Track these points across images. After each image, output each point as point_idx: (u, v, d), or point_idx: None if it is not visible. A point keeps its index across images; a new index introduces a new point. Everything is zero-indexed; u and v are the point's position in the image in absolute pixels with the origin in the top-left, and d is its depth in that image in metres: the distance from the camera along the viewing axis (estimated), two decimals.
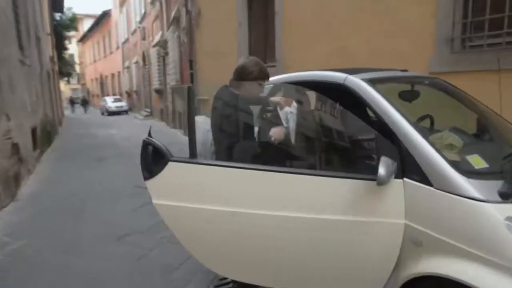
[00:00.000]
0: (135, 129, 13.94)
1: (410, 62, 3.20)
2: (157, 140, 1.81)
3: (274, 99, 2.23)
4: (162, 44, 13.14)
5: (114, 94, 26.84)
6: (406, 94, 2.20)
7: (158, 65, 14.73)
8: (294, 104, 2.17)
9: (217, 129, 2.05)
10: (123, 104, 23.05)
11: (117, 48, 25.99)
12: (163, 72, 14.41)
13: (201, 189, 1.68)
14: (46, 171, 6.54)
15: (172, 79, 11.54)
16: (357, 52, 4.29)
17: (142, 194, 5.03)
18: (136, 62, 20.66)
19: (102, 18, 28.61)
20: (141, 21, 18.48)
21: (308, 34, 4.99)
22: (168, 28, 11.51)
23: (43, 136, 8.60)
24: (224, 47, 6.96)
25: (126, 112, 22.56)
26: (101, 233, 3.59)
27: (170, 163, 1.72)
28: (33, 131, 7.11)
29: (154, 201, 1.76)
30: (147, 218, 3.94)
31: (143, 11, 17.95)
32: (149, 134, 1.89)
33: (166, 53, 12.56)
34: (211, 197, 1.67)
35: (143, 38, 18.20)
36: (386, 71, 2.29)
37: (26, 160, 5.94)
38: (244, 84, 2.01)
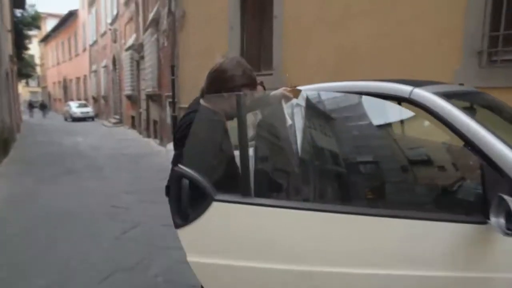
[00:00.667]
0: (103, 137, 12.94)
1: (430, 73, 2.88)
2: (193, 170, 1.24)
3: (276, 92, 1.62)
4: (137, 48, 12.35)
5: (79, 99, 25.24)
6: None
7: (131, 70, 13.85)
8: (303, 94, 1.56)
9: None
10: (89, 109, 21.67)
11: (84, 50, 24.54)
12: (136, 77, 13.56)
13: (263, 241, 1.21)
14: (3, 189, 5.59)
15: (148, 85, 10.78)
16: (366, 60, 3.96)
17: (121, 216, 4.30)
18: (105, 66, 19.50)
19: (68, 18, 27.02)
20: (112, 23, 17.48)
21: (310, 40, 4.61)
22: (145, 30, 10.79)
23: None
24: (212, 52, 6.44)
25: (92, 118, 21.21)
26: (80, 274, 2.85)
27: (215, 204, 1.21)
28: None
29: (190, 258, 1.26)
30: (134, 249, 3.29)
31: (115, 12, 16.99)
32: (180, 161, 1.30)
33: (141, 57, 11.78)
34: (279, 251, 1.20)
35: (114, 41, 17.19)
36: (443, 84, 1.93)
37: None
38: (222, 96, 1.41)
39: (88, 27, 23.09)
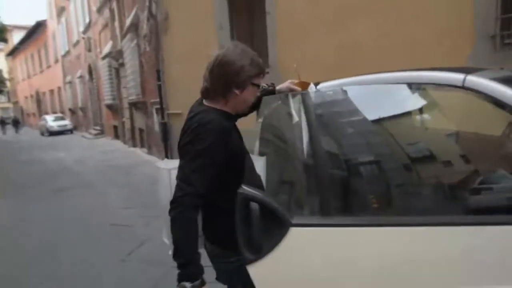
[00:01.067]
0: (86, 150, 12.41)
1: (440, 59, 2.78)
2: (261, 192, 1.04)
3: (282, 86, 1.52)
4: (115, 55, 11.89)
5: (54, 112, 24.24)
6: None
7: (110, 78, 13.35)
8: (313, 87, 1.40)
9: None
10: (66, 122, 20.84)
11: (56, 61, 23.61)
12: (116, 86, 13.07)
13: (361, 272, 0.96)
14: None
15: (131, 93, 10.37)
16: (368, 49, 3.85)
17: (124, 234, 3.97)
18: (81, 76, 18.78)
19: (36, 29, 25.91)
20: (85, 31, 16.84)
21: (306, 33, 4.47)
22: (123, 36, 10.38)
23: None
24: (200, 54, 6.20)
25: (70, 131, 20.42)
26: None
27: (293, 230, 0.98)
28: None
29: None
30: (145, 270, 3.04)
31: (87, 20, 16.37)
32: (244, 180, 1.07)
33: (121, 64, 11.35)
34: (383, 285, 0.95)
35: (89, 50, 16.56)
36: (488, 70, 1.81)
37: None
38: (235, 94, 1.21)
39: (59, 37, 22.20)
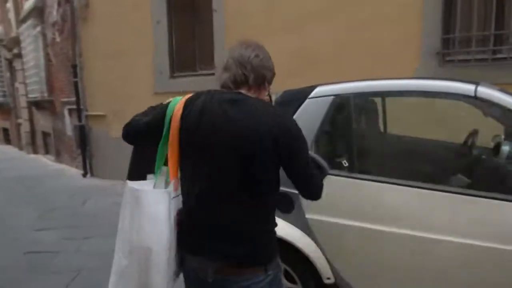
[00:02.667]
0: None
1: (391, 69, 2.99)
2: (316, 152, 1.74)
3: None
4: (8, 43, 9.93)
5: None
6: None
7: (0, 71, 11.10)
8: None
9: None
10: None
11: None
12: (9, 80, 10.93)
13: (360, 206, 1.69)
14: None
15: (32, 90, 8.73)
16: (321, 53, 3.91)
17: (49, 264, 3.12)
18: None
19: None
20: None
21: (258, 33, 4.30)
22: (22, 22, 8.70)
23: None
24: (131, 49, 5.52)
25: None
26: None
27: (328, 178, 1.67)
28: None
29: (308, 215, 1.75)
30: None
31: None
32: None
33: (17, 55, 9.51)
34: (372, 215, 1.66)
35: None
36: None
37: None
38: (265, 88, 1.22)
39: None
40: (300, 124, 1.79)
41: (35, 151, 9.84)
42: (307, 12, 3.97)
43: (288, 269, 1.95)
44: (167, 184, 1.14)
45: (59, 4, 6.85)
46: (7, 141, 12.07)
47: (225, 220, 1.09)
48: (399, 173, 1.74)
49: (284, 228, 1.93)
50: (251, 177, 1.07)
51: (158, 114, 1.17)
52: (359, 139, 1.81)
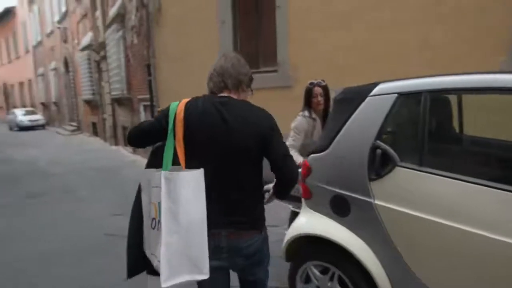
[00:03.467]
0: (62, 148, 11.55)
1: (469, 64, 2.59)
2: (386, 144, 1.69)
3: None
4: (97, 47, 11.15)
5: (24, 106, 22.76)
6: None
7: (90, 72, 12.55)
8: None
9: None
10: (38, 117, 19.55)
11: (27, 52, 22.17)
12: (97, 80, 12.30)
13: (428, 199, 1.56)
14: None
15: (114, 88, 9.72)
16: (382, 47, 3.62)
17: (122, 246, 3.48)
18: (55, 69, 17.66)
19: (4, 17, 24.24)
20: (61, 21, 15.81)
21: (318, 28, 4.18)
22: (107, 27, 9.71)
23: None
24: (197, 49, 5.77)
25: (42, 126, 19.18)
26: None
27: (397, 168, 1.64)
28: None
29: (376, 201, 1.69)
30: None
31: (63, 10, 15.37)
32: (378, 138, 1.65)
33: (103, 58, 10.64)
34: (439, 210, 1.52)
35: (65, 41, 15.57)
36: None
37: None
38: (243, 90, 1.48)
39: (30, 27, 20.84)
40: (360, 122, 1.71)
41: (116, 143, 10.94)
42: (369, 5, 3.72)
43: (343, 276, 1.85)
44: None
45: (137, 9, 7.47)
46: (95, 133, 13.63)
47: (234, 199, 1.39)
48: (480, 173, 1.52)
49: (339, 233, 1.85)
50: (247, 167, 1.38)
51: (160, 117, 1.43)
52: (428, 139, 1.63)
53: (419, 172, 1.57)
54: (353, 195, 1.79)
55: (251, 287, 1.59)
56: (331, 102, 2.41)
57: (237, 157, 1.36)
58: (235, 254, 1.42)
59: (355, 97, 1.88)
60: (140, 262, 1.50)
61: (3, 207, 5.05)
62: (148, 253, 1.45)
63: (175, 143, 1.35)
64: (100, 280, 2.88)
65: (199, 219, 1.29)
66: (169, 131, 1.36)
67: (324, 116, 2.63)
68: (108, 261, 3.20)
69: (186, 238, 1.28)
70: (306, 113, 2.62)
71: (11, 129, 19.37)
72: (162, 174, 1.30)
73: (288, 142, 2.54)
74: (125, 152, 9.66)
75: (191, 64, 5.88)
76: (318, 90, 2.59)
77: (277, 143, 1.38)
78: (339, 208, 1.86)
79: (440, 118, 1.78)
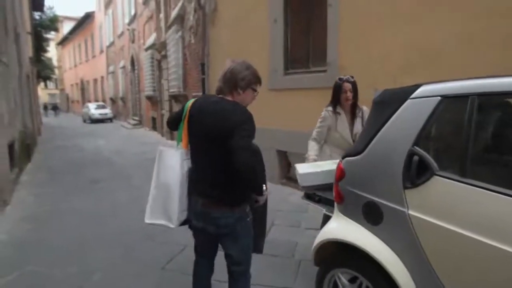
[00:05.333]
0: (124, 140, 12.55)
1: None
2: (424, 151, 1.56)
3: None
4: (159, 47, 11.89)
5: (96, 100, 25.16)
6: None
7: (152, 70, 13.43)
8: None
9: None
10: (107, 111, 21.47)
11: (101, 52, 24.43)
12: (157, 78, 13.12)
13: (469, 214, 1.39)
14: (28, 201, 5.14)
15: (172, 85, 10.29)
16: (444, 47, 3.30)
17: (162, 236, 3.60)
18: (123, 67, 19.22)
19: (85, 20, 27.01)
20: (130, 23, 17.15)
21: (374, 32, 3.97)
22: (168, 28, 10.30)
23: (22, 151, 7.16)
24: (249, 49, 5.85)
25: (110, 120, 21.03)
26: None
27: (435, 177, 1.50)
28: (10, 147, 5.71)
29: (410, 212, 1.57)
30: (186, 284, 2.73)
31: (132, 13, 16.65)
32: (416, 144, 1.56)
33: (164, 56, 11.31)
34: (481, 227, 1.35)
35: (133, 41, 16.86)
36: None
37: (1, 188, 4.58)
38: (238, 93, 1.76)
39: (105, 29, 22.93)
40: (398, 126, 1.60)
41: (172, 138, 11.57)
42: (426, 3, 3.43)
43: (371, 287, 1.75)
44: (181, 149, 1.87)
45: (195, 11, 7.81)
46: (154, 128, 14.56)
47: (209, 175, 1.74)
48: None
49: (370, 242, 1.75)
50: (220, 150, 1.64)
51: (180, 110, 1.89)
52: (473, 148, 1.46)
53: (460, 184, 1.43)
54: (386, 203, 1.68)
55: (229, 263, 1.88)
56: (365, 100, 2.36)
57: (213, 142, 1.68)
58: (207, 221, 1.77)
59: (394, 99, 1.77)
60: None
61: (68, 189, 5.65)
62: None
63: (183, 128, 1.82)
64: (136, 264, 3.07)
65: (172, 183, 1.77)
66: (182, 120, 1.82)
67: (353, 111, 2.79)
68: (147, 248, 3.42)
69: (163, 193, 1.80)
70: (330, 107, 2.78)
71: (84, 121, 21.53)
72: (159, 148, 1.87)
73: (312, 135, 2.84)
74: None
75: None
76: (347, 86, 2.70)
77: (238, 137, 1.59)
78: (371, 216, 1.77)
79: (491, 125, 1.58)
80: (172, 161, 1.78)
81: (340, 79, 2.76)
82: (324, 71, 4.57)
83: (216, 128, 1.65)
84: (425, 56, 3.45)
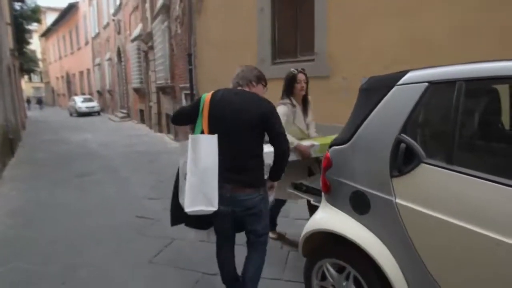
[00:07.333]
0: (112, 133, 12.34)
1: None
2: (411, 138, 1.53)
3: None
4: (145, 38, 11.63)
5: (83, 93, 24.65)
6: None
7: (139, 61, 13.16)
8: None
9: None
10: (94, 104, 21.07)
11: (86, 43, 23.83)
12: (144, 69, 12.88)
13: (456, 202, 1.37)
14: (11, 196, 5.02)
15: (159, 77, 10.10)
16: (438, 42, 3.27)
17: (151, 229, 3.61)
18: (109, 59, 18.81)
19: (69, 11, 26.22)
20: (115, 13, 16.72)
21: (363, 21, 3.92)
22: (154, 18, 10.06)
23: (4, 146, 6.96)
24: (236, 38, 5.75)
25: (98, 113, 20.67)
26: None
27: (422, 165, 1.48)
28: None
29: (397, 200, 1.55)
30: (173, 277, 2.70)
31: (118, 2, 16.22)
32: (403, 131, 1.53)
33: (150, 48, 11.08)
34: (469, 214, 1.33)
35: (118, 32, 16.47)
36: None
37: None
38: (253, 85, 2.02)
39: (90, 20, 22.33)
40: (385, 114, 1.57)
41: (160, 130, 11.42)
42: None
43: (359, 276, 1.74)
44: None
45: (180, 0, 7.62)
46: (142, 120, 14.34)
47: (238, 162, 1.89)
48: None
49: (357, 232, 1.73)
50: (247, 136, 1.87)
51: (195, 103, 2.00)
52: (461, 135, 1.43)
53: (447, 171, 1.40)
54: (374, 192, 1.66)
55: (253, 236, 2.04)
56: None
57: (242, 130, 1.85)
58: (236, 203, 1.91)
59: (381, 86, 1.73)
60: (179, 213, 1.99)
61: (54, 184, 5.51)
62: (181, 200, 1.96)
63: (202, 120, 1.91)
64: (123, 258, 3.02)
65: (211, 167, 1.83)
66: (199, 112, 1.93)
67: (304, 103, 2.84)
68: (136, 241, 3.36)
69: (202, 178, 1.82)
70: (287, 100, 2.75)
71: (71, 114, 21.09)
72: (189, 137, 1.86)
73: None
74: (167, 139, 10.05)
75: (229, 52, 5.89)
76: (302, 76, 2.75)
77: (277, 125, 1.87)
78: (359, 205, 1.74)
79: (478, 111, 1.56)
80: (211, 147, 1.83)
81: (293, 70, 2.78)
82: (312, 60, 4.52)
83: (247, 116, 1.83)
84: (418, 47, 3.41)
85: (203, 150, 1.83)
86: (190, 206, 1.83)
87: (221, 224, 2.05)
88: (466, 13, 3.08)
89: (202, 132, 1.89)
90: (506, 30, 2.86)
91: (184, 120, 2.06)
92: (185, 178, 1.87)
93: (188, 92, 7.43)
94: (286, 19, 5.12)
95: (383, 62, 3.60)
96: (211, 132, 1.87)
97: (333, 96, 4.22)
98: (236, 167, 1.86)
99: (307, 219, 2.17)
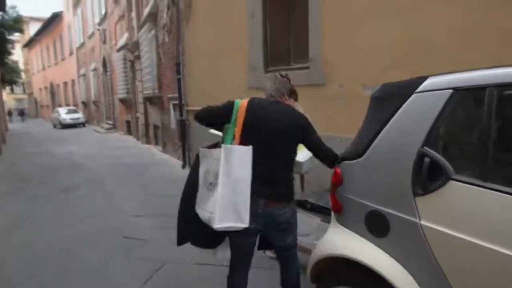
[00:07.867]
0: (98, 144, 11.96)
1: None
2: (436, 152, 1.35)
3: None
4: (131, 47, 11.37)
5: (67, 105, 24.07)
6: None
7: (125, 71, 12.87)
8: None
9: None
10: (79, 115, 20.56)
11: (71, 53, 23.36)
12: (131, 79, 12.58)
13: (492, 224, 1.20)
14: None
15: (146, 87, 9.83)
16: (438, 43, 3.16)
17: (140, 251, 3.32)
18: (95, 69, 18.41)
19: (52, 21, 25.75)
20: (101, 23, 16.43)
21: (358, 21, 3.79)
22: (141, 27, 9.84)
23: None
24: (227, 46, 5.58)
25: (83, 124, 20.16)
26: None
27: (451, 182, 1.30)
28: None
29: (423, 222, 1.36)
30: None
31: (103, 12, 15.94)
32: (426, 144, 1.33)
33: (137, 57, 10.82)
34: (507, 238, 1.14)
35: (104, 42, 16.16)
36: None
37: None
38: (286, 98, 2.01)
39: (74, 29, 21.93)
40: (404, 125, 1.39)
41: (148, 142, 11.10)
42: None
43: None
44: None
45: (168, 8, 7.44)
46: (129, 132, 13.98)
47: (273, 174, 1.81)
48: None
49: (375, 256, 1.54)
50: (284, 148, 1.82)
51: (227, 107, 1.85)
52: (496, 148, 1.26)
53: (481, 189, 1.23)
54: (394, 212, 1.47)
55: (284, 251, 1.97)
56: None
57: (278, 140, 1.79)
58: (269, 220, 1.81)
59: (397, 93, 1.56)
60: (187, 231, 1.95)
61: (36, 201, 5.16)
62: (199, 210, 1.82)
63: (234, 129, 1.79)
64: (116, 286, 2.74)
65: (244, 179, 1.73)
66: (232, 120, 1.80)
67: None
68: (124, 265, 3.08)
69: (234, 190, 1.71)
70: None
71: (54, 126, 20.51)
72: (222, 146, 1.75)
73: None
74: (155, 151, 9.75)
75: (220, 60, 5.71)
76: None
77: (316, 135, 1.87)
78: (376, 227, 1.55)
79: None
80: (245, 158, 1.74)
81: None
82: (307, 67, 4.37)
83: (284, 127, 1.79)
84: (416, 48, 3.29)
85: (237, 161, 1.73)
86: (220, 221, 1.68)
87: (243, 240, 1.87)
88: (465, 13, 2.97)
89: (233, 139, 1.78)
90: (506, 30, 2.76)
91: (213, 121, 1.92)
92: (208, 188, 1.77)
93: (177, 102, 7.19)
94: (278, 24, 4.97)
95: (381, 64, 3.47)
96: (243, 140, 1.77)
97: (329, 104, 4.07)
98: (269, 179, 1.79)
99: (307, 235, 1.99)
